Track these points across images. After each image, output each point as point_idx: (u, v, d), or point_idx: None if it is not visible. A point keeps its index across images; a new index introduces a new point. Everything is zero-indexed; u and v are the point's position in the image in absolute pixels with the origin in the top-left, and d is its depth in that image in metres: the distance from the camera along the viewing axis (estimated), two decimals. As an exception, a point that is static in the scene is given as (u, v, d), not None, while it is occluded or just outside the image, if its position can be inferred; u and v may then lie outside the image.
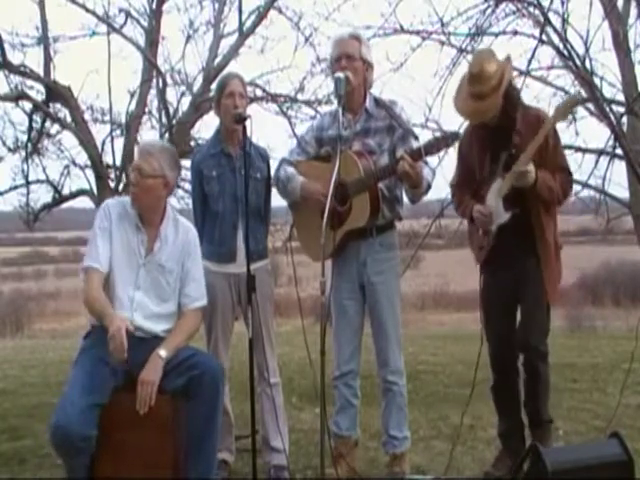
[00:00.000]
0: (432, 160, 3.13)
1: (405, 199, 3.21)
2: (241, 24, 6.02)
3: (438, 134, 3.03)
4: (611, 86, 6.14)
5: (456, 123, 3.10)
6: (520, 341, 3.11)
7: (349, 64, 3.08)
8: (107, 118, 6.27)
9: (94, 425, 2.56)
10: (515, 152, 2.99)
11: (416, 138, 3.09)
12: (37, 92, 5.98)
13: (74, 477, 2.64)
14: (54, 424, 2.48)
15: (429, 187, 3.10)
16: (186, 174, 6.28)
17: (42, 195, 6.45)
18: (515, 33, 5.81)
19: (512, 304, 3.16)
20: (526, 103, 3.21)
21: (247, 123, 2.94)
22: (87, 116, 6.25)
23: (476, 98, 2.97)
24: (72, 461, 2.61)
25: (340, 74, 2.98)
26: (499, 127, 3.05)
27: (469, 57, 5.75)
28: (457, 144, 3.23)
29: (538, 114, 3.09)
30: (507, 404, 3.28)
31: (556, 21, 5.05)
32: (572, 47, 4.76)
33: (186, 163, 5.75)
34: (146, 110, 6.37)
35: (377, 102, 3.19)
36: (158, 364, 2.70)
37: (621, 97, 6.14)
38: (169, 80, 6.30)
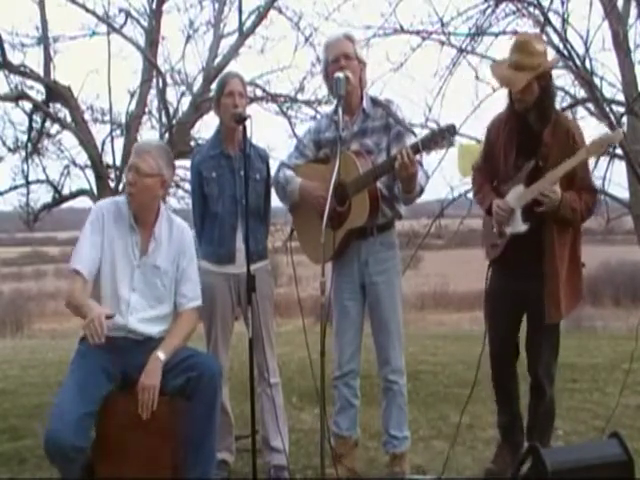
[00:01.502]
0: (432, 161, 3.14)
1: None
2: (241, 24, 6.02)
3: (435, 128, 3.01)
4: (611, 86, 6.14)
5: (457, 123, 3.08)
6: (529, 368, 3.15)
7: (348, 64, 3.08)
8: (107, 118, 6.28)
9: (88, 436, 2.57)
10: (542, 164, 2.96)
11: (415, 135, 3.08)
12: (37, 92, 5.98)
13: (68, 478, 2.63)
14: (48, 433, 2.45)
15: (422, 191, 3.09)
16: (186, 174, 6.29)
17: (42, 195, 6.46)
18: (515, 33, 5.79)
19: (517, 311, 3.16)
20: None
21: (247, 123, 2.93)
22: (87, 116, 6.26)
23: (513, 68, 2.96)
24: (65, 468, 2.60)
25: (340, 74, 2.98)
26: (529, 126, 3.02)
27: (469, 57, 5.78)
28: (486, 128, 3.25)
29: (568, 128, 3.02)
30: (506, 396, 3.31)
31: (556, 21, 5.05)
32: (572, 47, 4.75)
33: (186, 163, 5.74)
34: (146, 110, 6.37)
35: (374, 101, 3.19)
36: (157, 367, 2.70)
37: (621, 97, 6.14)
38: (169, 80, 6.30)
